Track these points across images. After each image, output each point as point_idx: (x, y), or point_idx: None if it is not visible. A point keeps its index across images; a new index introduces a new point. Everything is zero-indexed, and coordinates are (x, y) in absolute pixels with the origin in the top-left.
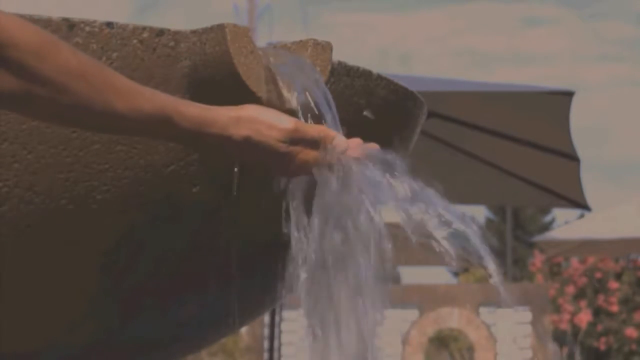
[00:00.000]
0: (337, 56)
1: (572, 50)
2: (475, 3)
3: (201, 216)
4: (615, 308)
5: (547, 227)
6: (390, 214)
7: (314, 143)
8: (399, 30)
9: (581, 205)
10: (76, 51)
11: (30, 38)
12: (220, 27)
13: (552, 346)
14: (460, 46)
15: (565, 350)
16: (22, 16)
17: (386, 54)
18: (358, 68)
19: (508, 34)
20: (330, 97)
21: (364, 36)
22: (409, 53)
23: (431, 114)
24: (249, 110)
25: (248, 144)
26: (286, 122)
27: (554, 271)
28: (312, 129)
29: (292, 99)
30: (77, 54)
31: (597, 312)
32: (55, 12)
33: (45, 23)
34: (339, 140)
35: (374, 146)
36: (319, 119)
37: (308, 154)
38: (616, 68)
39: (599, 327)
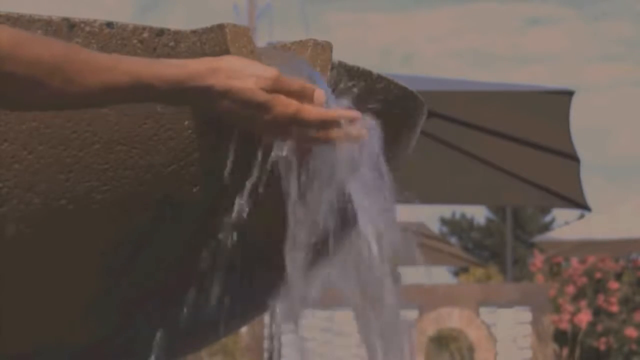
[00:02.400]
0: (339, 56)
1: (574, 50)
2: (477, 3)
3: (201, 216)
4: (615, 308)
5: (547, 227)
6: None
7: (295, 95)
8: (400, 30)
9: (581, 205)
10: (50, 44)
11: (1, 39)
12: (220, 27)
13: (552, 346)
14: (461, 46)
15: (565, 350)
16: (21, 16)
17: (388, 54)
18: (358, 68)
19: (510, 34)
20: (331, 94)
21: (366, 36)
22: (410, 53)
23: (431, 114)
24: (228, 60)
25: (229, 92)
26: (267, 71)
27: (554, 271)
28: (294, 81)
29: None
30: (50, 47)
31: (597, 312)
32: (56, 12)
33: (45, 23)
34: (319, 93)
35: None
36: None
37: (288, 106)
38: (617, 68)
39: (599, 327)
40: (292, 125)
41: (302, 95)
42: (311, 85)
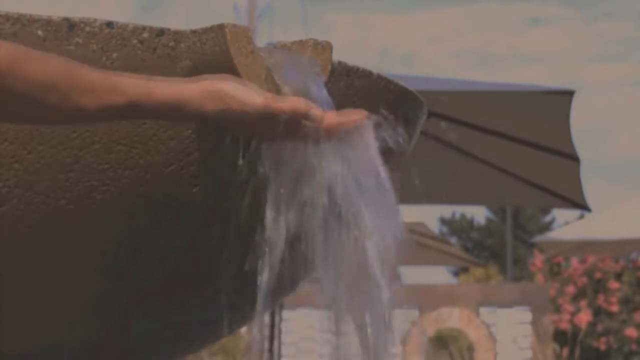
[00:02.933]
0: (339, 56)
1: (574, 50)
2: (477, 3)
3: (201, 216)
4: (615, 308)
5: (547, 227)
6: None
7: (287, 117)
8: (401, 30)
9: (581, 205)
10: (46, 60)
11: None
12: (220, 27)
13: (552, 346)
14: (462, 46)
15: (565, 350)
16: (21, 16)
17: (388, 54)
18: (358, 68)
19: (510, 34)
20: (329, 98)
21: (366, 36)
22: (411, 53)
23: (431, 114)
24: (222, 84)
25: (221, 118)
26: (257, 99)
27: (554, 271)
28: (285, 105)
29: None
30: (46, 64)
31: (597, 312)
32: (56, 11)
33: (45, 23)
34: (314, 113)
35: (357, 116)
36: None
37: (280, 128)
38: (618, 68)
39: (599, 327)
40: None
41: (296, 115)
42: (305, 106)
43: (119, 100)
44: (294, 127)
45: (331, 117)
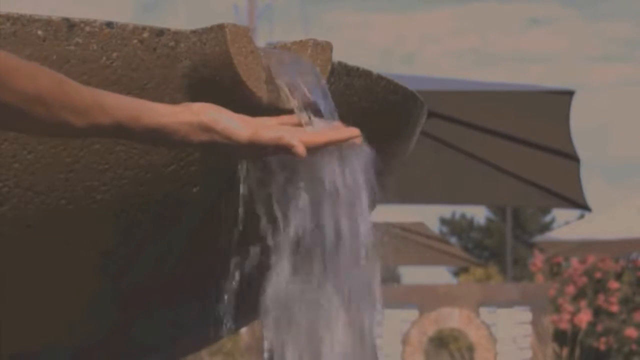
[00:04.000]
0: (340, 56)
1: (574, 50)
2: (478, 3)
3: (201, 216)
4: (615, 308)
5: (547, 227)
6: (389, 214)
7: (273, 148)
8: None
9: (581, 205)
10: (35, 73)
11: None
12: (220, 27)
13: (552, 346)
14: (462, 46)
15: (565, 350)
16: (21, 16)
17: (389, 54)
18: (358, 68)
19: (511, 34)
20: (329, 97)
21: (367, 36)
22: (411, 53)
23: (431, 114)
24: (210, 117)
25: (208, 147)
26: (241, 134)
27: (554, 271)
28: (268, 137)
29: (292, 99)
30: (36, 79)
31: (597, 312)
32: (56, 11)
33: (45, 23)
34: (298, 148)
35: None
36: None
37: (265, 153)
38: (618, 68)
39: (599, 327)
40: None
41: (279, 147)
42: (288, 140)
43: (105, 121)
44: (278, 152)
45: (311, 143)
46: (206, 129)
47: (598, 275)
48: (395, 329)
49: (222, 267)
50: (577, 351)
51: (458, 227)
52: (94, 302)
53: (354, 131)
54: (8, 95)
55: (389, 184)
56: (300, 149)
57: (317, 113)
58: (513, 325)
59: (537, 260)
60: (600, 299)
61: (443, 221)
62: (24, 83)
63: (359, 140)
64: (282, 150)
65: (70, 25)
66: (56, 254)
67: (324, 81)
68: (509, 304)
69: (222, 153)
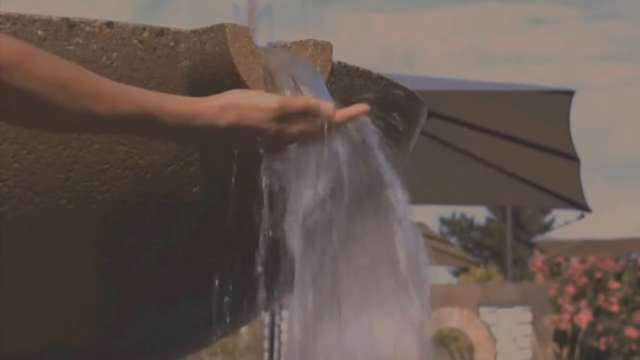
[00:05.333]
0: (341, 56)
1: (575, 50)
2: (479, 3)
3: (201, 216)
4: (615, 308)
5: (547, 227)
6: None
7: (301, 115)
8: (402, 30)
9: (581, 205)
10: (55, 60)
11: (5, 54)
12: (220, 27)
13: (552, 346)
14: (463, 46)
15: (565, 350)
16: (21, 16)
17: (390, 54)
18: (358, 68)
19: (511, 34)
20: (329, 97)
21: (368, 36)
22: (412, 53)
23: (431, 114)
24: (233, 97)
25: (235, 129)
26: (271, 102)
27: (554, 271)
28: (298, 102)
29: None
30: (55, 64)
31: (597, 312)
32: (56, 11)
33: (45, 23)
34: (325, 107)
35: (358, 109)
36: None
37: (296, 127)
38: (618, 68)
39: (599, 327)
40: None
41: (307, 114)
42: (315, 101)
43: (126, 106)
44: (305, 128)
45: (339, 111)
46: (232, 106)
47: (598, 275)
48: None
49: (222, 266)
50: (577, 351)
51: (458, 227)
52: (94, 302)
53: (364, 105)
54: (29, 82)
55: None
56: (330, 107)
57: None
58: (513, 325)
59: (537, 260)
60: (600, 299)
61: (443, 221)
62: (43, 68)
63: (366, 111)
64: (313, 113)
65: (70, 25)
66: (56, 254)
67: (323, 81)
68: (509, 304)
69: (249, 139)
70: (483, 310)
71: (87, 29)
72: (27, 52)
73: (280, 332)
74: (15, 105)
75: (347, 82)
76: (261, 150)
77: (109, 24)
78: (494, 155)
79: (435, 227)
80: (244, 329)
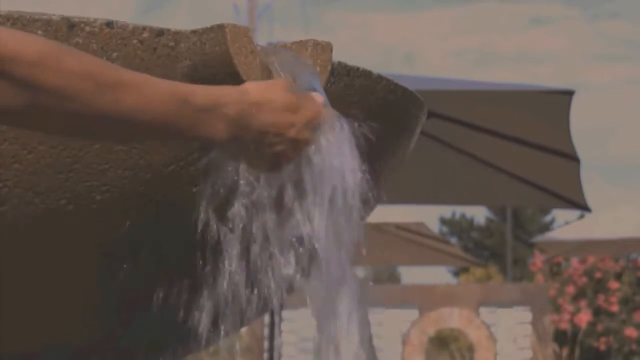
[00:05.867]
0: (342, 56)
1: (575, 50)
2: (479, 2)
3: (201, 216)
4: (615, 308)
5: (547, 227)
6: (390, 214)
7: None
8: (402, 29)
9: (581, 206)
10: (79, 54)
11: (30, 50)
12: (220, 27)
13: (552, 346)
14: (463, 46)
15: (565, 350)
16: (21, 16)
17: (390, 54)
18: (358, 68)
19: (512, 34)
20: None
21: (368, 36)
22: (412, 53)
23: (431, 114)
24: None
25: (263, 106)
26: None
27: (554, 271)
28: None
29: None
30: (80, 57)
31: (597, 312)
32: (56, 11)
33: (45, 23)
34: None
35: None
36: None
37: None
38: (618, 68)
39: (599, 327)
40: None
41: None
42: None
43: (157, 93)
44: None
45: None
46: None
47: (598, 275)
48: (395, 329)
49: (222, 267)
50: (577, 351)
51: (458, 227)
52: (94, 302)
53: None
54: (55, 77)
55: (389, 184)
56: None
57: None
58: (513, 325)
59: (537, 260)
60: (600, 299)
61: (443, 221)
62: (69, 61)
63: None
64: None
65: (70, 25)
66: (56, 254)
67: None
68: (509, 304)
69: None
70: (483, 310)
71: (87, 29)
72: (51, 47)
73: (280, 332)
74: (42, 103)
75: (347, 82)
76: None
77: (109, 24)
78: (494, 155)
79: (435, 227)
80: (243, 329)
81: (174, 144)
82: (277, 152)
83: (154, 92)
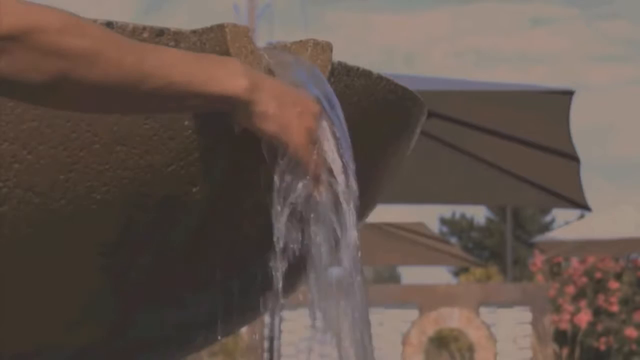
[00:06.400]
0: (341, 56)
1: (576, 50)
2: (480, 3)
3: (201, 216)
4: (615, 308)
5: (547, 227)
6: (390, 214)
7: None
8: (403, 30)
9: (581, 205)
10: (98, 25)
11: (53, 19)
12: (220, 27)
13: (552, 346)
14: (464, 46)
15: (565, 350)
16: None
17: (390, 54)
18: (358, 68)
19: (512, 34)
20: (334, 96)
21: (368, 36)
22: (413, 53)
23: (431, 114)
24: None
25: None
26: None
27: (554, 271)
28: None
29: None
30: (99, 26)
31: (597, 312)
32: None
33: None
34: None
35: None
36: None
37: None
38: (618, 68)
39: (599, 327)
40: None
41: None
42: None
43: (175, 50)
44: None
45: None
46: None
47: (598, 275)
48: (395, 329)
49: (222, 266)
50: (577, 351)
51: (458, 227)
52: (94, 302)
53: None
54: (78, 42)
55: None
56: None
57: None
58: (513, 325)
59: (537, 260)
60: (600, 299)
61: (443, 221)
62: (89, 28)
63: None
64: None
65: None
66: (56, 254)
67: (326, 82)
68: (509, 304)
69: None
70: (483, 310)
71: None
72: (70, 15)
73: (280, 332)
74: (68, 69)
75: (347, 82)
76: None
77: (109, 24)
78: (494, 155)
79: (435, 227)
80: (243, 329)
81: (173, 145)
82: (300, 119)
83: (170, 52)
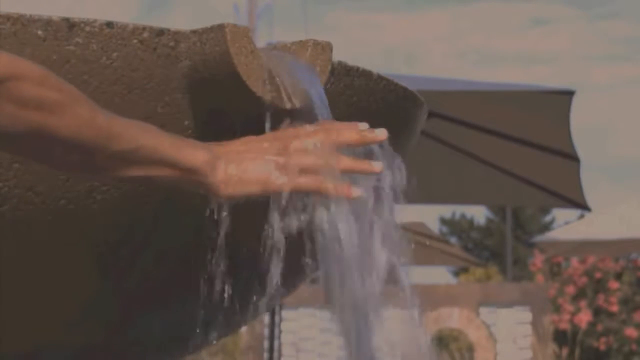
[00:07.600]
0: (342, 56)
1: (576, 50)
2: (481, 3)
3: (201, 216)
4: (615, 308)
5: (547, 227)
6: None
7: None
8: (404, 30)
9: (581, 205)
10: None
11: (33, 70)
12: (220, 27)
13: (552, 346)
14: (465, 46)
15: (565, 350)
16: (21, 16)
17: (392, 54)
18: (358, 68)
19: (514, 34)
20: (325, 98)
21: (369, 36)
22: (414, 53)
23: (431, 114)
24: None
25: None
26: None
27: (554, 271)
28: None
29: (292, 99)
30: (72, 86)
31: (597, 312)
32: (56, 11)
33: (45, 23)
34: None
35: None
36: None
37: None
38: (619, 68)
39: (599, 327)
40: None
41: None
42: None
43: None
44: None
45: (350, 169)
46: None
47: (598, 275)
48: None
49: (222, 267)
50: (577, 351)
51: (458, 227)
52: (94, 302)
53: (381, 133)
54: (55, 92)
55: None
56: (347, 190)
57: (314, 114)
58: (513, 325)
59: (537, 260)
60: (600, 299)
61: (443, 221)
62: (63, 82)
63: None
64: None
65: (70, 25)
66: (56, 254)
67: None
68: (509, 304)
69: None
70: (483, 310)
71: (87, 29)
72: (48, 70)
73: (280, 332)
74: (47, 121)
75: (347, 82)
76: None
77: (109, 24)
78: (494, 155)
79: (435, 227)
80: (243, 329)
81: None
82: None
83: (138, 121)
